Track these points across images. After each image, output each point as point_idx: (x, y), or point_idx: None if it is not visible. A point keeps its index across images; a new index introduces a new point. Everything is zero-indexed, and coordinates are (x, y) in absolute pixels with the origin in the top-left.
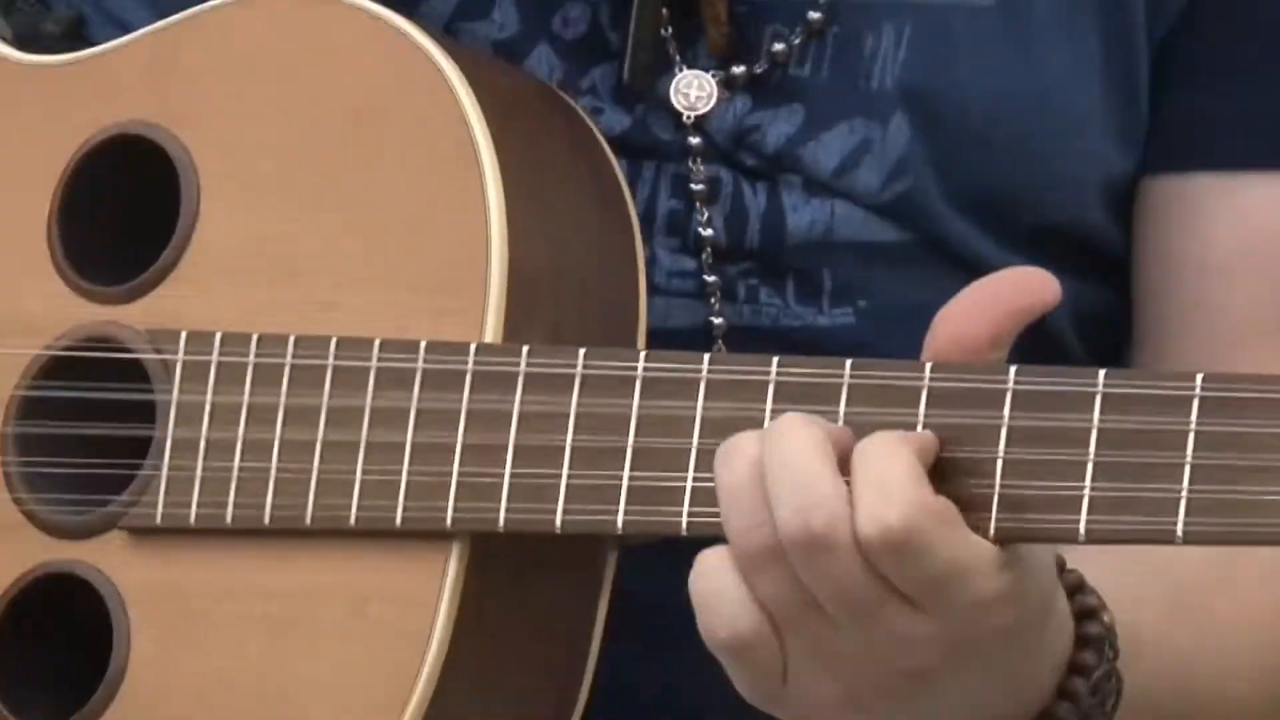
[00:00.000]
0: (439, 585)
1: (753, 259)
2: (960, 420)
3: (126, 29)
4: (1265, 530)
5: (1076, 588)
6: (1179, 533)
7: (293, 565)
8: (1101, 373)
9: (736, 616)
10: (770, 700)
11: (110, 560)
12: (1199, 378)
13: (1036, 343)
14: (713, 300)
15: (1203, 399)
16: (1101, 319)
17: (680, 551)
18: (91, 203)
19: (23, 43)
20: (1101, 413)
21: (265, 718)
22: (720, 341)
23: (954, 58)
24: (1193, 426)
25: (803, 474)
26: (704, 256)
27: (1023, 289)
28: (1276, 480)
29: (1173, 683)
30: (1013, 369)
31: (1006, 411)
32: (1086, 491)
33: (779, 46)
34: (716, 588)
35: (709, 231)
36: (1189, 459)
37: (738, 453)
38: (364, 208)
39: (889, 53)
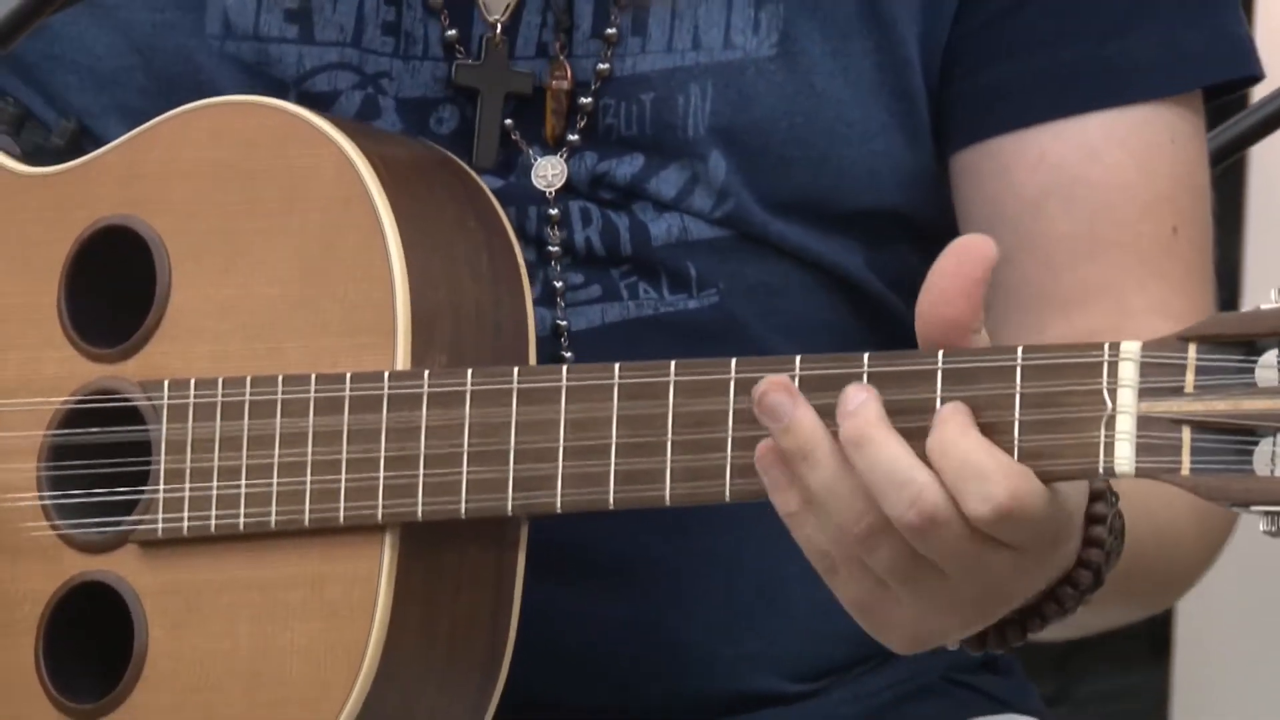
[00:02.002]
0: (378, 566)
1: (629, 263)
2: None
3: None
4: None
5: None
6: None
7: (266, 561)
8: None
9: (860, 584)
10: (898, 641)
11: (127, 568)
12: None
13: (859, 306)
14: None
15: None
16: (908, 279)
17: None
18: (89, 282)
19: (30, 157)
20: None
21: (256, 682)
22: (566, 338)
23: (750, 102)
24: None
25: (901, 471)
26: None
27: (973, 258)
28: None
29: (1142, 518)
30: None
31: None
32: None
33: (609, 120)
34: (834, 563)
35: (560, 283)
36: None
37: (820, 456)
38: (296, 270)
39: (698, 106)
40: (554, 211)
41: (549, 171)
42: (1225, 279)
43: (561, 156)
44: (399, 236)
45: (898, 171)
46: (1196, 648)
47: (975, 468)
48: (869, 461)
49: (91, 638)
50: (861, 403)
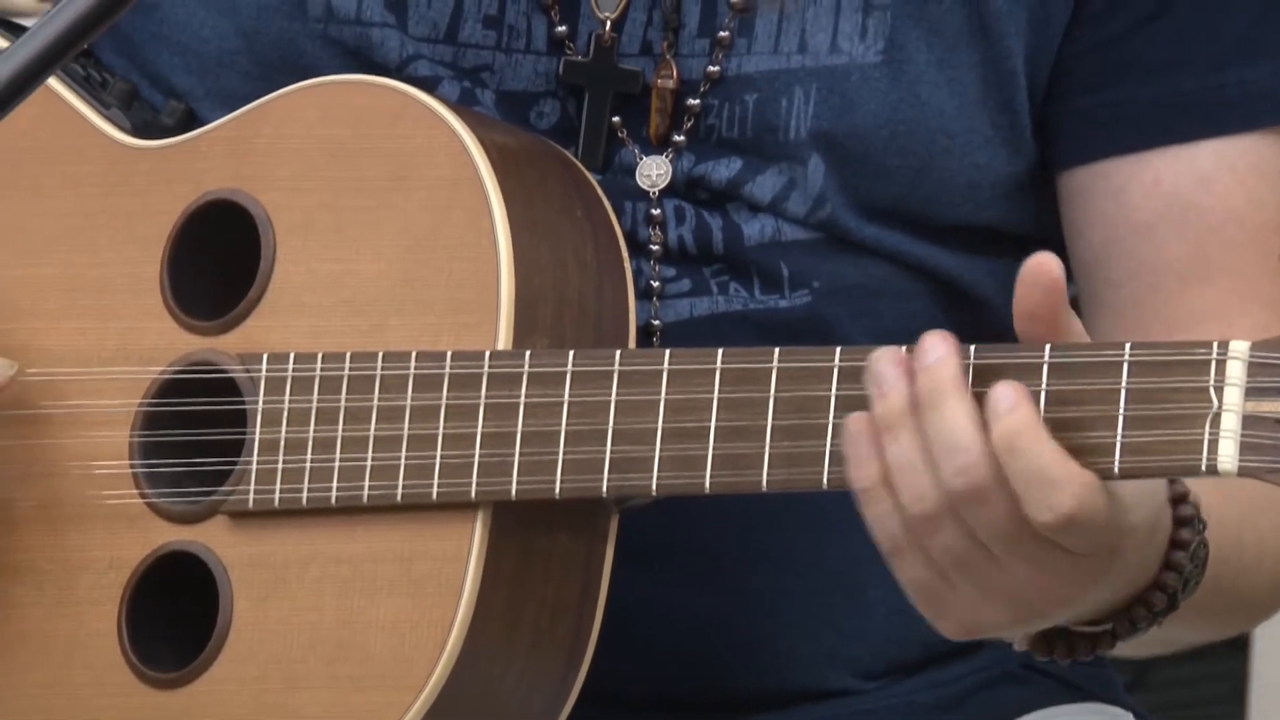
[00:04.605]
0: (468, 545)
1: (721, 261)
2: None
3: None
4: None
5: None
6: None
7: (356, 536)
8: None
9: (921, 569)
10: (951, 627)
11: (216, 539)
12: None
13: (959, 307)
14: (655, 300)
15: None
16: (1007, 280)
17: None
18: (193, 256)
19: (140, 131)
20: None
21: (340, 656)
22: (658, 338)
23: (853, 107)
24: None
25: (958, 436)
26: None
27: (1038, 282)
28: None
29: (1230, 544)
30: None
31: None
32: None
33: (710, 120)
34: (900, 545)
35: (657, 283)
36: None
37: (902, 428)
38: (401, 248)
39: (800, 109)
40: (656, 212)
41: (653, 171)
42: None
43: (667, 157)
44: (507, 218)
45: (997, 185)
46: (1275, 634)
47: (1040, 469)
48: (935, 426)
49: (175, 608)
50: (940, 357)
